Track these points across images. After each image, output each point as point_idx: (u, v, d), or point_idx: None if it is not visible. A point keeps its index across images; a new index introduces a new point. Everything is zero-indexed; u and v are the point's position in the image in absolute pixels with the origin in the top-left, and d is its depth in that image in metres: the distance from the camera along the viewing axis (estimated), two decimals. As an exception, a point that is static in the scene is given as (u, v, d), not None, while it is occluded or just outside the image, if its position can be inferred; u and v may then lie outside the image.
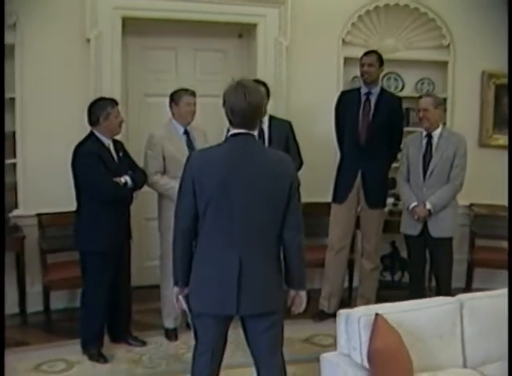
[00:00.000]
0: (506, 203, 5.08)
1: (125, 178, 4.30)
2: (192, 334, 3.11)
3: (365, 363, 2.90)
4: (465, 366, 3.20)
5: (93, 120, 4.25)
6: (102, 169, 4.17)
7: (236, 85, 2.86)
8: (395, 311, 3.07)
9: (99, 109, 4.24)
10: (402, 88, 6.05)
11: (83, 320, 4.37)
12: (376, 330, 2.84)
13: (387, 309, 3.07)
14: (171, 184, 4.31)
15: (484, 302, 3.30)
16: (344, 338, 3.09)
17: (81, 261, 4.37)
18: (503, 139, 5.88)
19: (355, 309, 3.10)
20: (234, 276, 2.82)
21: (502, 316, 3.15)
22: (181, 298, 3.01)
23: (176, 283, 3.00)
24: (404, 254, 5.22)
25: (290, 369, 3.44)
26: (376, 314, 2.91)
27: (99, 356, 4.32)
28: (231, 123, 2.90)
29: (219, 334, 3.00)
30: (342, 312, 3.15)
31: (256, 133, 2.98)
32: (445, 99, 5.75)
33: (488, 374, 3.11)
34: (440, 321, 3.15)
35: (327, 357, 3.15)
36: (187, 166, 2.92)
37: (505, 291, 3.30)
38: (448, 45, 5.88)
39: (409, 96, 5.81)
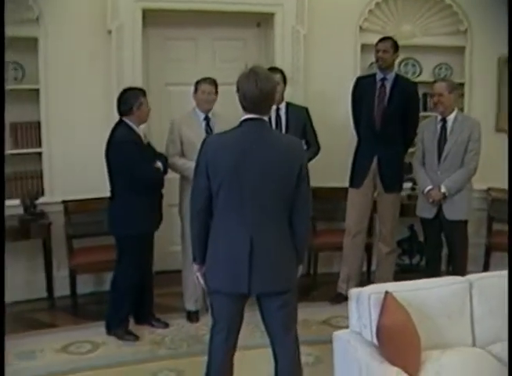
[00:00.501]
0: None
1: (158, 164, 4.41)
2: (209, 313, 3.22)
3: (375, 340, 2.96)
4: (474, 345, 3.22)
5: (125, 109, 4.32)
6: (139, 156, 4.26)
7: (249, 73, 2.95)
8: (405, 289, 3.11)
9: (133, 98, 4.31)
10: (420, 74, 6.06)
11: (113, 303, 4.48)
12: (385, 308, 2.89)
13: (397, 287, 3.11)
14: (189, 164, 4.36)
15: (494, 282, 3.29)
16: (355, 317, 3.16)
17: (117, 246, 4.47)
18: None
19: (366, 288, 3.15)
20: (245, 255, 2.91)
21: (512, 296, 3.18)
22: (199, 275, 3.13)
23: (194, 260, 3.13)
24: (422, 237, 5.25)
25: (306, 350, 3.56)
26: (386, 292, 2.96)
27: (128, 335, 4.44)
28: (244, 108, 2.99)
29: (234, 311, 3.09)
30: (354, 291, 3.21)
31: (267, 118, 3.07)
32: (462, 84, 5.77)
33: (497, 353, 3.12)
34: (449, 300, 3.16)
35: (339, 335, 3.22)
36: (202, 149, 3.01)
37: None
38: (465, 30, 5.88)
39: (426, 81, 5.81)
